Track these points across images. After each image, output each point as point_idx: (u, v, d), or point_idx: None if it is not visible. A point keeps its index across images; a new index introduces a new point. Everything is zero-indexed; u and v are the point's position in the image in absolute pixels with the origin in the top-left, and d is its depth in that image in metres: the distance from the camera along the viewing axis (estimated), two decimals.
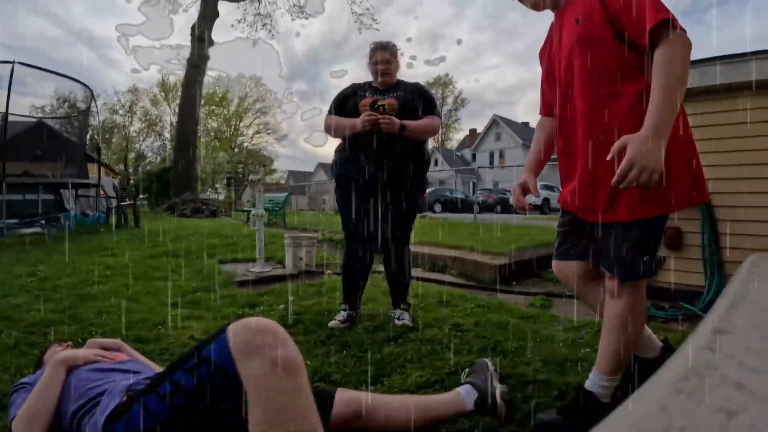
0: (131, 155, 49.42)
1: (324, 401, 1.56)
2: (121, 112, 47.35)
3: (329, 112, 3.18)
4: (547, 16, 1.92)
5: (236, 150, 48.47)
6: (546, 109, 2.02)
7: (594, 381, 1.78)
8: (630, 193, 1.56)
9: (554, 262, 1.99)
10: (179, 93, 25.68)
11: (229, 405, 1.24)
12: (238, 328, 1.27)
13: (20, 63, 9.23)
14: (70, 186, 11.07)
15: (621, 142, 1.42)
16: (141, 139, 49.61)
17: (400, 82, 3.20)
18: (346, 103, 3.15)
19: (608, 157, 1.44)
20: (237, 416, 1.21)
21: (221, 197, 38.16)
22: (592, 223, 1.75)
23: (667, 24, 1.44)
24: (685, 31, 1.47)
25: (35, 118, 11.97)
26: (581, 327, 3.01)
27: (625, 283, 1.68)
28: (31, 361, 2.33)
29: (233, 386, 1.22)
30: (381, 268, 5.09)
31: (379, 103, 3.03)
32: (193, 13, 24.14)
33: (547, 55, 1.90)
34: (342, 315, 3.16)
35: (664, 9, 1.47)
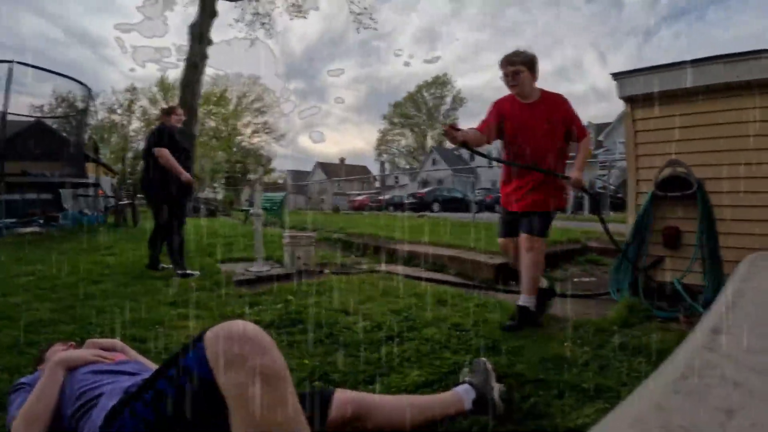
0: (130, 154, 49.24)
1: (321, 403, 1.56)
2: (119, 111, 47.23)
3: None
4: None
5: (234, 149, 48.41)
6: (484, 129, 3.23)
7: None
8: None
9: None
10: (177, 92, 25.63)
11: (212, 414, 1.19)
12: (214, 335, 1.19)
13: (19, 62, 9.20)
14: (68, 185, 11.05)
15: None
16: (140, 138, 49.47)
17: None
18: None
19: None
20: (222, 425, 1.16)
21: (219, 196, 38.09)
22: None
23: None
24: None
25: (33, 117, 11.94)
26: (579, 326, 3.02)
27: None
28: (30, 360, 2.32)
29: (215, 396, 1.16)
30: (379, 267, 5.09)
31: None
32: (192, 12, 24.03)
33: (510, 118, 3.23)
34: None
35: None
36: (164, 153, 4.83)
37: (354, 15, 24.65)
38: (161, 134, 4.98)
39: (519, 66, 3.13)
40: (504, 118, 3.25)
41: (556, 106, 3.21)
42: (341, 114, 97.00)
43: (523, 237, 3.16)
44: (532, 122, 3.17)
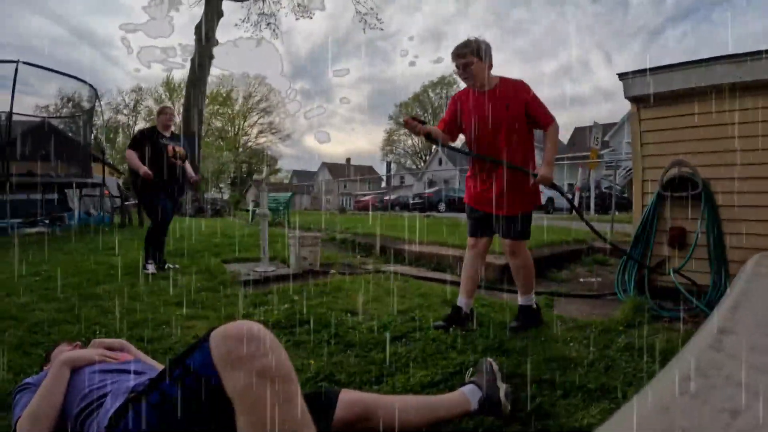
0: None
1: (327, 403, 1.56)
2: (125, 111, 47.44)
3: None
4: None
5: (240, 149, 48.52)
6: (443, 127, 3.19)
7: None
8: None
9: None
10: (183, 92, 25.75)
11: (218, 415, 1.19)
12: (219, 336, 1.19)
13: (24, 62, 9.23)
14: (74, 185, 11.09)
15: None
16: None
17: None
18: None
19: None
20: (228, 426, 1.16)
21: (225, 197, 38.16)
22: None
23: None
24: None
25: (39, 117, 11.97)
26: (585, 326, 3.01)
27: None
28: (36, 360, 2.34)
29: (220, 396, 1.16)
30: (385, 267, 5.09)
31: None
32: (197, 12, 24.15)
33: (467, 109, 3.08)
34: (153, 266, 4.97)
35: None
36: (127, 155, 5.18)
37: (360, 15, 24.76)
38: (131, 138, 5.36)
39: (468, 58, 2.96)
40: (461, 111, 3.14)
41: (515, 91, 3.00)
42: (347, 114, 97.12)
43: (506, 243, 3.08)
44: (487, 111, 2.98)
